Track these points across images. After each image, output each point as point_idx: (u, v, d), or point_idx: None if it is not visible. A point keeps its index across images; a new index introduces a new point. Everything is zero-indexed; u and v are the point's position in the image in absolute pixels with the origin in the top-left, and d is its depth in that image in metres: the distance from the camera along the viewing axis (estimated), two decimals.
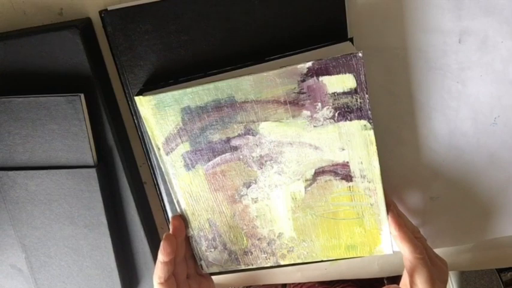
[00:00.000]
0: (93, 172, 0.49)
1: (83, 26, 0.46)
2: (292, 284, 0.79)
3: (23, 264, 0.55)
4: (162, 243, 0.47)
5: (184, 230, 0.50)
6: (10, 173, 0.50)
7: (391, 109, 0.50)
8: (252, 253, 0.52)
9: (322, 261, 0.52)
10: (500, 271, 1.08)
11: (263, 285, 0.63)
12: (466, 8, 0.46)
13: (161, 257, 0.47)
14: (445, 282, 0.49)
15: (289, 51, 0.46)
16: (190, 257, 0.52)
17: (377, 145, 0.46)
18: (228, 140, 0.46)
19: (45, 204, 0.51)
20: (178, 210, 0.50)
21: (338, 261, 0.58)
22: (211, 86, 0.44)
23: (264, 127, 0.45)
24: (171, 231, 0.49)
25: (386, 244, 0.50)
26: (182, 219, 0.50)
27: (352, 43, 0.45)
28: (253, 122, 0.45)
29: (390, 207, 0.49)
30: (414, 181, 0.54)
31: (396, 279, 0.53)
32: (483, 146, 0.51)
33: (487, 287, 1.07)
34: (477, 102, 0.50)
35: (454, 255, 0.51)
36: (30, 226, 0.52)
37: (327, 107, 0.44)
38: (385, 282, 0.49)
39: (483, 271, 1.07)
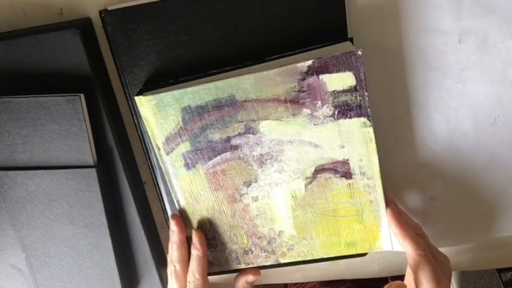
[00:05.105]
0: (93, 172, 0.49)
1: (83, 26, 0.46)
2: (293, 284, 0.79)
3: (23, 264, 0.55)
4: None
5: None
6: (10, 173, 0.50)
7: (391, 109, 0.50)
8: (252, 252, 0.52)
9: (322, 258, 0.52)
10: (500, 271, 1.08)
11: (263, 285, 0.62)
12: (466, 8, 0.46)
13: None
14: (450, 277, 0.48)
15: (289, 52, 0.46)
16: None
17: (377, 145, 0.46)
18: (229, 139, 0.46)
19: (45, 204, 0.51)
20: (178, 210, 0.50)
21: (338, 261, 0.58)
22: (211, 85, 0.44)
23: (265, 126, 0.46)
24: (177, 228, 0.50)
25: (385, 240, 0.50)
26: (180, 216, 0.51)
27: (352, 43, 0.45)
28: (254, 120, 0.45)
29: (390, 205, 0.49)
30: (414, 181, 0.54)
31: (400, 279, 0.53)
32: (483, 146, 0.51)
33: (487, 287, 1.07)
34: (477, 102, 0.50)
35: (454, 255, 0.51)
36: (30, 226, 0.52)
37: (327, 105, 0.44)
38: (390, 281, 0.49)
39: (483, 271, 1.07)
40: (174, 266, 0.50)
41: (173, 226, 0.50)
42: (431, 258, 0.47)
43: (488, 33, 0.47)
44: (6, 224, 0.53)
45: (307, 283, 0.76)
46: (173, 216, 0.50)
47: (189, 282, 0.50)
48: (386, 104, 0.50)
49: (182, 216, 0.51)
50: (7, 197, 0.51)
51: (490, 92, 0.49)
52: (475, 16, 0.46)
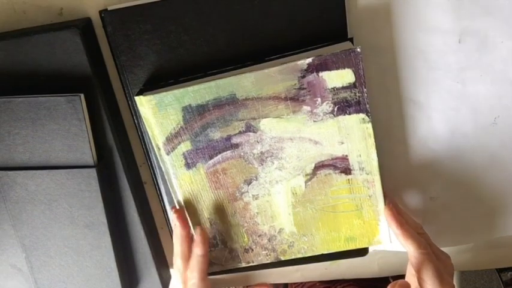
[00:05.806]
0: (93, 172, 0.49)
1: (83, 26, 0.46)
2: (294, 283, 0.79)
3: (23, 264, 0.55)
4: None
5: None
6: (10, 173, 0.50)
7: (391, 109, 0.50)
8: (252, 250, 0.52)
9: (322, 256, 0.52)
10: (500, 271, 1.08)
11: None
12: (466, 8, 0.46)
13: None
14: (452, 275, 0.49)
15: (289, 52, 0.46)
16: None
17: (377, 145, 0.46)
18: (229, 137, 0.46)
19: (45, 204, 0.51)
20: None
21: (338, 261, 0.58)
22: (212, 84, 0.44)
23: (265, 123, 0.46)
24: (178, 223, 0.50)
25: (384, 234, 0.51)
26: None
27: (352, 43, 0.45)
28: (254, 118, 0.45)
29: (390, 205, 0.49)
30: (414, 181, 0.54)
31: (400, 279, 0.53)
32: (483, 146, 0.51)
33: (487, 287, 1.07)
34: (477, 102, 0.50)
35: (454, 255, 0.51)
36: (30, 226, 0.52)
37: (327, 101, 0.45)
38: (391, 281, 0.50)
39: (483, 271, 1.07)
40: (176, 261, 0.50)
41: (175, 220, 0.50)
42: (434, 257, 0.47)
43: (488, 33, 0.47)
44: (6, 224, 0.53)
45: (308, 282, 0.76)
46: (175, 210, 0.50)
47: (188, 278, 0.50)
48: (387, 104, 0.50)
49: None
50: (7, 197, 0.51)
51: (490, 92, 0.49)
52: (475, 16, 0.46)
